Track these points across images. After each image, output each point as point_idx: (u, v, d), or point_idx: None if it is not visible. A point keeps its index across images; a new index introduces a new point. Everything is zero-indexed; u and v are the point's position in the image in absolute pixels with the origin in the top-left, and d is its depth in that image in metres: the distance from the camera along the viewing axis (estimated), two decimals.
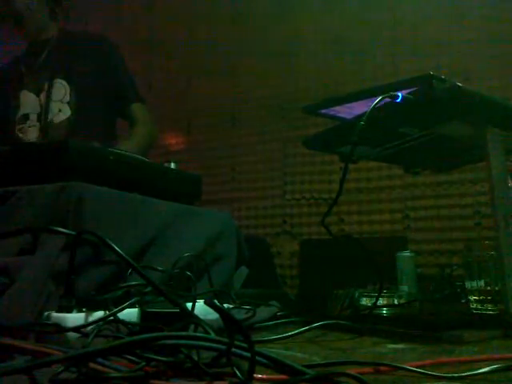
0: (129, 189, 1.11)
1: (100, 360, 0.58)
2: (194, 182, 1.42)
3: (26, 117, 1.92)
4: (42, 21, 1.97)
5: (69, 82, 1.89)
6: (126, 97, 1.98)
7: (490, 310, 1.20)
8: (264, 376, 0.60)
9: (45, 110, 1.87)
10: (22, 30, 1.95)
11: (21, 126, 1.92)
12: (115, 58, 2.00)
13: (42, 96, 1.90)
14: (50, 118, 1.87)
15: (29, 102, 1.92)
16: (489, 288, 1.22)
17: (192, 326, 0.80)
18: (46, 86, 1.89)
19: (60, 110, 1.87)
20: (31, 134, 1.89)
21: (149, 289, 0.92)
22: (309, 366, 0.63)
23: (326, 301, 1.40)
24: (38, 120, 1.90)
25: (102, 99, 1.94)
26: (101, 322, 0.78)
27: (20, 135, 1.91)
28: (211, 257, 1.25)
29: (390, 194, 2.53)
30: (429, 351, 0.88)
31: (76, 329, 0.76)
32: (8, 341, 0.65)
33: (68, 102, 1.88)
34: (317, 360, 0.79)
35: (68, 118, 1.87)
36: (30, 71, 1.97)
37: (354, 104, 1.21)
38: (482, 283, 1.24)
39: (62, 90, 1.89)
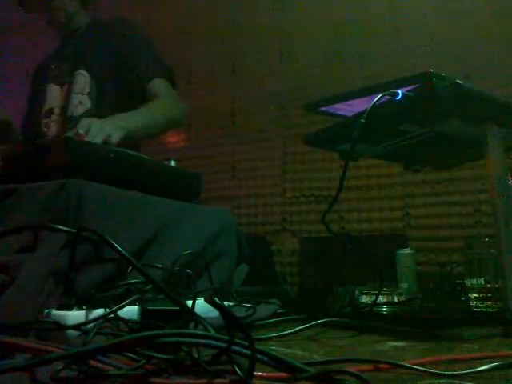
0: (129, 186, 1.11)
1: (100, 358, 0.58)
2: (194, 180, 1.42)
3: (50, 111, 1.85)
4: (73, 8, 1.89)
5: (89, 72, 1.81)
6: (144, 73, 1.79)
7: (489, 308, 1.20)
8: (264, 374, 0.60)
9: (66, 103, 1.80)
10: (53, 18, 1.88)
11: (46, 120, 1.85)
12: (132, 37, 1.86)
13: (65, 88, 1.83)
14: (70, 111, 1.79)
15: (53, 95, 1.86)
16: (489, 286, 1.22)
17: (192, 324, 0.80)
18: (68, 78, 1.83)
19: (80, 103, 1.79)
20: (53, 128, 1.82)
21: (149, 286, 0.92)
22: (309, 364, 0.63)
23: (326, 298, 1.40)
24: (61, 114, 1.82)
25: (123, 87, 1.81)
26: (101, 320, 0.78)
27: (45, 130, 1.84)
28: (211, 254, 1.25)
29: (390, 191, 2.53)
30: (429, 349, 0.88)
31: (76, 326, 0.76)
32: (8, 338, 0.65)
33: (88, 93, 1.79)
34: (317, 358, 0.79)
35: (88, 111, 1.78)
36: (57, 63, 1.91)
37: (354, 101, 1.21)
38: (482, 281, 1.24)
39: (82, 81, 1.80)
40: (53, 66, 1.92)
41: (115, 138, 1.37)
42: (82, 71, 1.81)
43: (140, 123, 1.59)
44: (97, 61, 1.82)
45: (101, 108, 1.76)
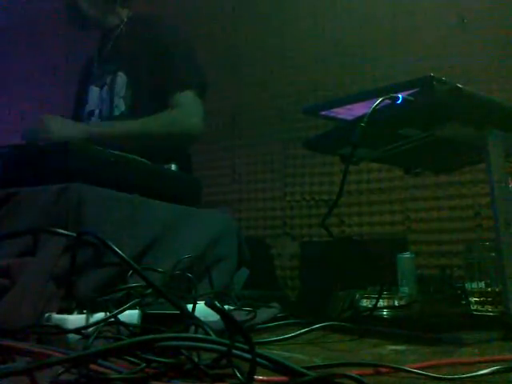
0: (129, 190, 1.11)
1: (101, 361, 0.58)
2: (195, 184, 1.42)
3: (91, 113, 1.82)
4: (102, 7, 1.82)
5: (127, 75, 1.76)
6: (172, 83, 1.72)
7: (490, 312, 1.20)
8: (264, 378, 0.60)
9: (105, 106, 1.77)
10: (85, 21, 1.82)
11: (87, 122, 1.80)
12: (169, 40, 1.79)
13: (104, 90, 1.80)
14: (106, 114, 1.76)
15: (94, 97, 1.83)
16: (489, 289, 1.22)
17: (193, 328, 0.80)
18: (108, 80, 1.79)
19: (116, 106, 1.76)
20: None
21: (149, 290, 0.92)
22: (309, 368, 0.63)
23: (327, 302, 1.40)
24: (100, 116, 1.79)
25: (156, 93, 1.74)
26: (101, 324, 0.78)
27: None
28: (212, 258, 1.25)
29: (390, 195, 2.53)
30: (429, 352, 0.88)
31: (77, 330, 0.76)
32: (9, 342, 0.65)
33: (123, 97, 1.75)
34: (317, 361, 0.79)
35: (122, 114, 1.74)
36: (99, 64, 1.88)
37: (354, 105, 1.21)
38: (482, 284, 1.24)
39: (120, 83, 1.76)
40: (95, 67, 1.89)
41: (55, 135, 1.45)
42: (121, 73, 1.78)
43: (117, 132, 1.59)
44: (134, 63, 1.77)
45: (134, 112, 1.72)
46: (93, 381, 0.55)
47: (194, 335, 0.71)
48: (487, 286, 1.23)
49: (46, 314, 0.81)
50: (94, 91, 1.84)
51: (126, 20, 1.88)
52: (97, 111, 1.81)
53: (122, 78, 1.77)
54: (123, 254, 0.85)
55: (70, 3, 1.80)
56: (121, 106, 1.75)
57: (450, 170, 1.62)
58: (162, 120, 1.68)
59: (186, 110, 1.71)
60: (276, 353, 0.84)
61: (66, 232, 0.90)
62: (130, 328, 0.82)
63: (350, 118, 1.25)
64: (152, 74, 1.75)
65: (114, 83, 1.78)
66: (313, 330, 1.02)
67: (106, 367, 0.58)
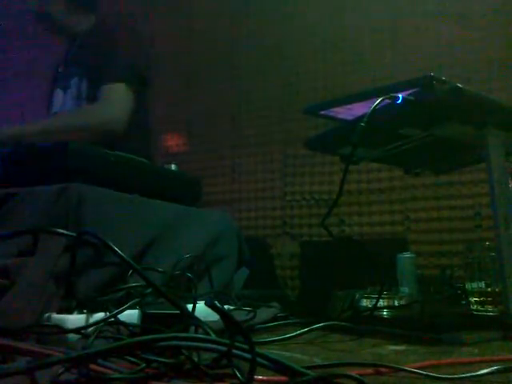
0: (129, 190, 1.11)
1: (100, 361, 0.58)
2: (194, 183, 1.42)
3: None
4: (61, 14, 1.83)
5: (88, 78, 1.77)
6: (101, 78, 1.70)
7: (490, 312, 1.20)
8: (264, 377, 0.60)
9: (66, 109, 1.80)
10: (49, 28, 1.86)
11: None
12: (109, 35, 1.78)
13: (67, 93, 1.81)
14: None
15: (58, 100, 1.86)
16: (489, 289, 1.22)
17: (193, 328, 0.80)
18: (70, 83, 1.81)
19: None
20: None
21: (149, 290, 0.92)
22: (309, 368, 0.63)
23: (327, 302, 1.40)
24: None
25: None
26: (101, 324, 0.78)
27: None
28: (212, 258, 1.25)
29: (390, 195, 2.53)
30: (429, 352, 0.88)
31: (77, 330, 0.76)
32: (9, 342, 0.65)
33: (86, 98, 1.76)
34: (317, 361, 0.79)
35: None
36: (63, 68, 1.90)
37: (354, 105, 1.21)
38: (482, 284, 1.24)
39: (83, 86, 1.78)
40: (60, 71, 1.91)
41: None
42: (84, 77, 1.79)
43: (29, 130, 1.60)
44: (92, 66, 1.78)
45: None
46: (93, 381, 0.55)
47: (194, 335, 0.71)
48: (487, 286, 1.23)
49: (46, 314, 0.81)
50: (59, 94, 1.86)
51: (89, 27, 1.88)
52: None
53: (83, 82, 1.78)
54: (123, 254, 0.85)
55: (38, 9, 1.82)
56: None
57: (450, 170, 1.62)
58: (80, 113, 1.71)
59: (107, 102, 1.68)
60: (276, 353, 0.84)
61: (66, 232, 0.90)
62: (130, 328, 0.82)
63: (350, 118, 1.25)
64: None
65: (77, 86, 1.79)
66: (313, 329, 1.02)
67: (106, 367, 0.58)
